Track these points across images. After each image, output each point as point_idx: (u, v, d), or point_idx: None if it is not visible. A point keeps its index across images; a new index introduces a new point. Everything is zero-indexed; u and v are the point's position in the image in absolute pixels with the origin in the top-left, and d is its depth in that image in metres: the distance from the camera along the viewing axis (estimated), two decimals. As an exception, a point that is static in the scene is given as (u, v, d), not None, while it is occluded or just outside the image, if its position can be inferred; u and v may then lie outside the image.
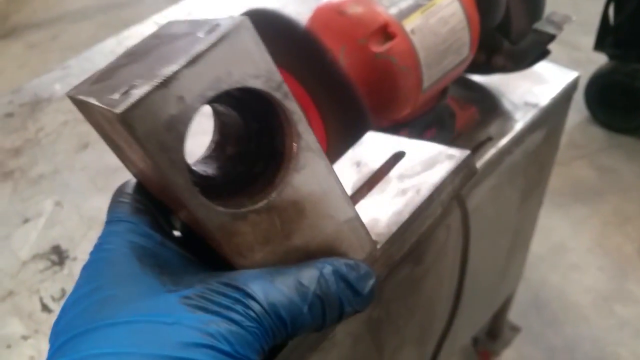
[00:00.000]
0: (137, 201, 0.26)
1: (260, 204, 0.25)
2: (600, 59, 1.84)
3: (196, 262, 0.27)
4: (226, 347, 0.21)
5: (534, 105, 0.74)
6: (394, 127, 0.61)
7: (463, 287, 0.63)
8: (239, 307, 0.22)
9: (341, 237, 0.28)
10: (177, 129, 0.22)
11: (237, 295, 0.22)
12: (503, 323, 1.33)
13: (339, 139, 0.54)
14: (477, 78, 0.78)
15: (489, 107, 0.74)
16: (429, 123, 0.65)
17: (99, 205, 0.68)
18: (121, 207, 0.26)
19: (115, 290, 0.22)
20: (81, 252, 0.63)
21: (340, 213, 0.28)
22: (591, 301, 1.53)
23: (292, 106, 0.26)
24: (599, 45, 1.75)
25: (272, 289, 0.23)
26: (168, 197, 0.25)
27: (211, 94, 0.22)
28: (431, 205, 0.29)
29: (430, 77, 0.56)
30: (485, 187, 0.71)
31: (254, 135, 0.28)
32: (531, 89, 0.76)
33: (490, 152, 0.69)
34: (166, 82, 0.21)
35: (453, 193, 0.29)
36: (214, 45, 0.22)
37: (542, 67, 0.78)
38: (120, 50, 0.95)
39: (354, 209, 0.29)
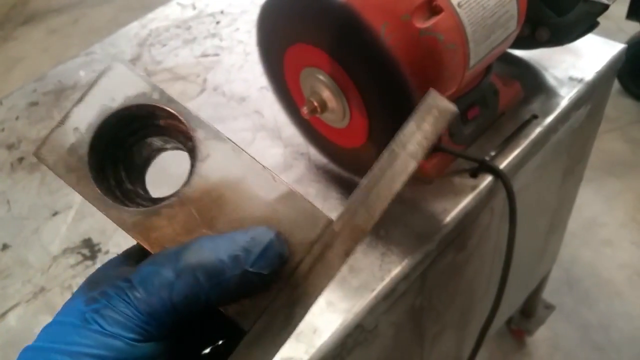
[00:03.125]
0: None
1: (171, 199, 0.28)
2: (632, 28, 1.76)
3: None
4: (96, 327, 0.24)
5: (579, 81, 0.70)
6: (436, 108, 0.58)
7: (508, 273, 0.61)
8: (118, 294, 0.25)
9: (277, 216, 0.27)
10: (78, 153, 0.28)
11: (123, 284, 0.25)
12: (537, 302, 1.31)
13: (384, 123, 0.51)
14: (518, 52, 0.74)
15: (532, 83, 0.70)
16: (471, 102, 0.61)
17: (130, 196, 0.66)
18: None
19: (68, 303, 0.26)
20: (113, 245, 0.62)
21: (267, 192, 0.28)
22: (625, 277, 1.49)
23: (178, 107, 0.28)
24: (632, 13, 1.67)
25: (148, 271, 0.25)
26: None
27: (100, 120, 0.28)
28: (396, 161, 0.26)
29: (477, 54, 0.53)
30: (530, 167, 0.68)
31: (158, 151, 0.32)
32: (575, 63, 0.72)
33: (536, 131, 0.65)
34: (62, 121, 0.28)
35: (426, 141, 0.26)
36: (91, 88, 0.28)
37: (585, 40, 0.73)
38: (144, 33, 0.92)
39: (286, 184, 0.28)
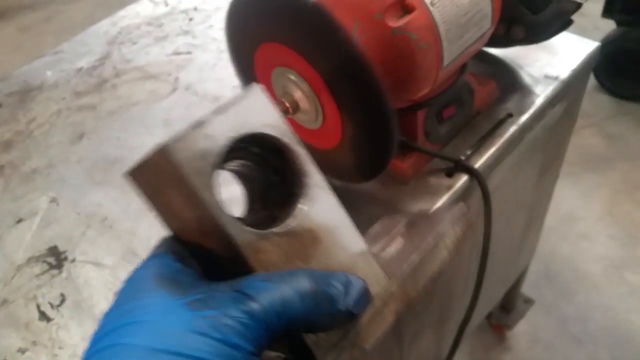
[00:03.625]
0: (166, 243, 0.31)
1: (280, 228, 0.30)
2: (608, 26, 1.78)
3: (210, 281, 0.30)
4: (216, 335, 0.24)
5: (555, 78, 0.70)
6: (411, 108, 0.57)
7: (485, 270, 0.60)
8: (234, 304, 0.25)
9: (355, 268, 0.31)
10: (208, 159, 0.28)
11: (236, 295, 0.26)
12: (516, 296, 1.32)
13: (356, 125, 0.50)
14: (493, 51, 0.73)
15: (508, 81, 0.70)
16: (447, 101, 0.61)
17: (98, 201, 0.64)
18: (155, 248, 0.31)
19: (128, 304, 0.27)
20: (80, 253, 0.59)
21: (352, 245, 0.32)
22: (602, 270, 1.51)
23: (299, 149, 0.32)
24: (607, 11, 1.69)
25: (267, 287, 0.26)
26: (202, 229, 0.29)
27: (233, 134, 0.29)
28: (437, 249, 0.33)
29: (451, 53, 0.52)
30: (506, 165, 0.67)
31: (274, 186, 0.33)
32: (550, 61, 0.72)
33: (511, 130, 0.65)
34: (199, 125, 0.28)
35: (456, 240, 0.34)
36: (233, 103, 0.30)
37: (560, 37, 0.73)
38: (114, 31, 0.90)
39: (365, 243, 0.32)
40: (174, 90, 0.78)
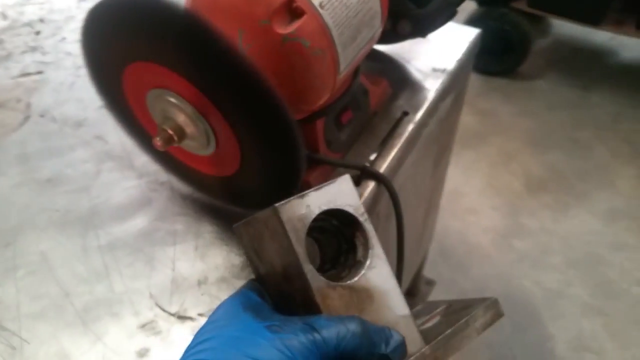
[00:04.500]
0: (250, 283, 0.41)
1: (345, 283, 0.37)
2: (470, 7, 1.88)
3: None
4: (287, 353, 0.31)
5: (443, 71, 0.69)
6: (308, 119, 0.52)
7: (402, 271, 0.58)
8: (303, 333, 0.32)
9: (398, 327, 0.36)
10: (304, 221, 0.36)
11: (305, 326, 0.33)
12: (419, 280, 1.34)
13: (257, 144, 0.44)
14: (379, 47, 0.71)
15: (397, 77, 0.68)
16: (344, 106, 0.57)
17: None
18: (241, 287, 0.40)
19: (223, 322, 0.34)
20: None
21: (398, 308, 0.38)
22: (491, 240, 1.60)
23: (368, 227, 0.39)
24: (468, -9, 1.77)
25: (328, 324, 0.33)
26: (285, 274, 0.37)
27: (324, 207, 0.37)
28: (467, 328, 0.37)
29: (347, 57, 0.48)
30: (407, 164, 0.65)
31: (344, 252, 0.41)
32: (435, 53, 0.71)
33: (409, 129, 0.62)
34: (302, 196, 0.37)
35: (485, 325, 0.38)
36: (327, 185, 0.38)
37: (441, 27, 0.73)
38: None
39: (409, 309, 0.39)
40: (26, 118, 0.66)
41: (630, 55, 2.10)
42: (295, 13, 0.43)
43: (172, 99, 0.43)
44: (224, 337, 0.33)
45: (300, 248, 0.35)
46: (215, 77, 0.41)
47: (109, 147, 0.63)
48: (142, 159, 0.60)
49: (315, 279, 0.36)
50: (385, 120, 0.63)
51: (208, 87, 0.41)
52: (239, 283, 0.51)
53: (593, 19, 1.79)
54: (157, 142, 0.43)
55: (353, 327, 0.33)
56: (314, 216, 0.37)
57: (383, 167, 0.59)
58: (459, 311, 0.41)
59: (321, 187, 0.38)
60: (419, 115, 0.64)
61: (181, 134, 0.44)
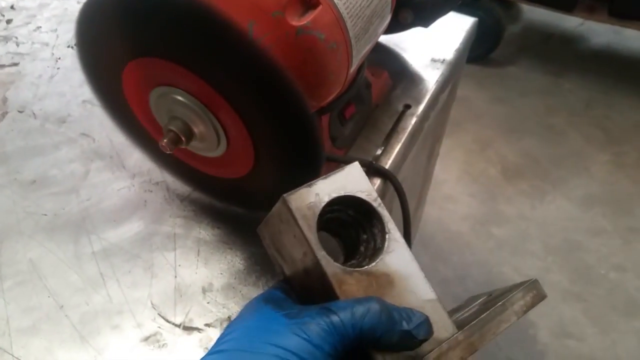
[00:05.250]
0: (278, 283, 0.40)
1: (362, 268, 0.36)
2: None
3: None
4: (304, 336, 0.31)
5: (442, 62, 0.67)
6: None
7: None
8: (319, 316, 0.32)
9: (423, 311, 0.35)
10: (313, 209, 0.36)
11: (321, 309, 0.33)
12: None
13: (274, 144, 0.42)
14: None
15: (396, 69, 0.66)
16: (347, 101, 0.54)
17: None
18: (270, 287, 0.41)
19: (245, 316, 0.35)
20: None
21: (421, 292, 0.37)
22: (470, 228, 1.61)
23: (384, 212, 0.38)
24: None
25: (345, 306, 0.33)
26: (305, 266, 0.37)
27: (334, 195, 0.37)
28: (505, 311, 0.36)
29: (359, 50, 0.45)
30: (409, 159, 0.64)
31: (364, 242, 0.40)
32: (432, 43, 0.69)
33: (412, 122, 0.61)
34: (310, 185, 0.37)
35: (525, 307, 0.37)
36: (335, 173, 0.38)
37: (437, 15, 0.71)
38: None
39: (435, 293, 0.37)
40: (4, 114, 0.62)
41: (600, 40, 2.13)
42: (309, 4, 0.40)
43: (180, 97, 0.40)
44: (244, 328, 0.34)
45: (311, 235, 0.35)
46: (229, 72, 0.38)
47: (96, 145, 0.59)
48: (134, 158, 0.57)
49: (330, 265, 0.35)
50: (387, 114, 0.61)
51: (220, 82, 0.38)
52: (246, 290, 0.48)
53: (566, 5, 1.81)
54: (164, 144, 0.40)
55: (370, 305, 0.33)
56: (323, 204, 0.36)
57: (388, 163, 0.57)
58: (498, 297, 0.39)
59: (329, 176, 0.38)
60: (421, 108, 0.62)
61: (189, 134, 0.41)
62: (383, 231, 0.38)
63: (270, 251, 0.40)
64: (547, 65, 2.06)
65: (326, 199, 0.36)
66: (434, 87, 0.64)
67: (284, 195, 0.35)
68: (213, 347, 0.34)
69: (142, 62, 0.39)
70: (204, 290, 0.48)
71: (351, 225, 0.40)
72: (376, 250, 0.38)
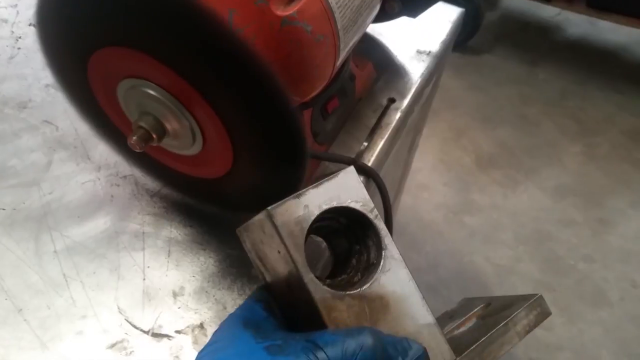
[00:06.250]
0: (258, 292, 0.37)
1: (354, 291, 0.33)
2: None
3: (288, 330, 0.34)
4: None
5: (427, 54, 0.65)
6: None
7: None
8: (305, 353, 0.29)
9: (420, 338, 0.33)
10: (302, 225, 0.33)
11: (307, 344, 0.30)
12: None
13: (254, 143, 0.39)
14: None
15: (380, 60, 0.63)
16: (331, 94, 0.52)
17: None
18: (249, 296, 0.37)
19: (222, 343, 0.32)
20: None
21: (419, 316, 0.34)
22: (443, 217, 1.61)
23: (380, 225, 0.35)
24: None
25: (334, 340, 0.30)
26: (289, 283, 0.33)
27: (326, 206, 0.34)
28: (507, 333, 0.34)
29: (346, 43, 0.42)
30: (392, 154, 0.61)
31: (356, 253, 0.37)
32: (418, 33, 0.67)
33: (397, 117, 0.58)
34: (298, 196, 0.33)
35: (528, 327, 0.35)
36: (328, 180, 0.34)
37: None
38: None
39: (433, 317, 0.35)
40: (-43, 97, 0.57)
41: (576, 31, 2.14)
42: (295, -8, 0.37)
43: (150, 91, 0.36)
44: (218, 356, 0.31)
45: (298, 256, 0.32)
46: (205, 63, 0.35)
47: (59, 134, 0.55)
48: (100, 148, 0.53)
49: (319, 290, 0.32)
50: (371, 108, 0.59)
51: (196, 76, 0.35)
52: (220, 294, 0.46)
53: (545, -5, 1.81)
54: (133, 141, 0.36)
55: (363, 340, 0.30)
56: (313, 217, 0.33)
57: (371, 160, 0.55)
58: (498, 311, 0.37)
59: (321, 184, 0.34)
60: (406, 102, 0.60)
61: (161, 131, 0.37)
62: (378, 244, 0.35)
63: (250, 255, 0.37)
64: (523, 55, 2.06)
65: (316, 212, 0.33)
66: (419, 80, 0.62)
67: (269, 208, 0.32)
68: None
69: (108, 51, 0.36)
70: (174, 294, 0.45)
71: (343, 234, 0.37)
72: (370, 265, 0.35)
